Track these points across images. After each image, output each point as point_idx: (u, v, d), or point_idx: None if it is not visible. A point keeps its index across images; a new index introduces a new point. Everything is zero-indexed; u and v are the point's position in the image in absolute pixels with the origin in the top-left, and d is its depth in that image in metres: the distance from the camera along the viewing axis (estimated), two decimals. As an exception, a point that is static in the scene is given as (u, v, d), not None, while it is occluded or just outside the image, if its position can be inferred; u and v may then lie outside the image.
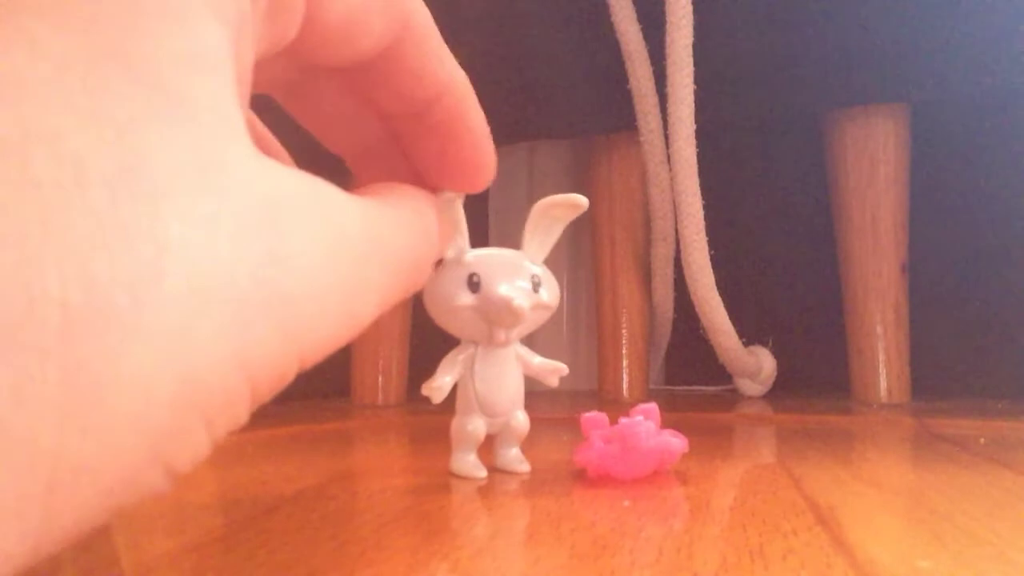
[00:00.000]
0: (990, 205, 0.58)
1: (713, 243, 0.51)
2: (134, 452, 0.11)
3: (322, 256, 0.14)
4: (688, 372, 0.64)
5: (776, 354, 0.59)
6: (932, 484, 0.26)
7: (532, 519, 0.22)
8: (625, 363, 0.57)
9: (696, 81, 0.49)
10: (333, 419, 0.47)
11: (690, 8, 0.49)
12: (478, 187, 0.21)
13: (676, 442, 0.28)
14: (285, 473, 0.30)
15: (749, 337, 0.57)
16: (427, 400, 0.26)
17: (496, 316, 0.26)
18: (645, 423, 0.27)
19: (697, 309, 0.53)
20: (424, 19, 0.18)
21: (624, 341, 0.57)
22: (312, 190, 0.15)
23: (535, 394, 0.63)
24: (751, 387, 0.59)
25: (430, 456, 0.33)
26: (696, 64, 0.49)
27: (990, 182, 0.58)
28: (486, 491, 0.26)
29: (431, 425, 0.45)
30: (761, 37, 0.53)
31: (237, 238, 0.12)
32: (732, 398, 0.58)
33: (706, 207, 0.51)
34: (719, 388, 0.62)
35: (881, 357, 0.53)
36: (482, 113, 0.21)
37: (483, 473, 0.28)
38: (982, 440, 0.36)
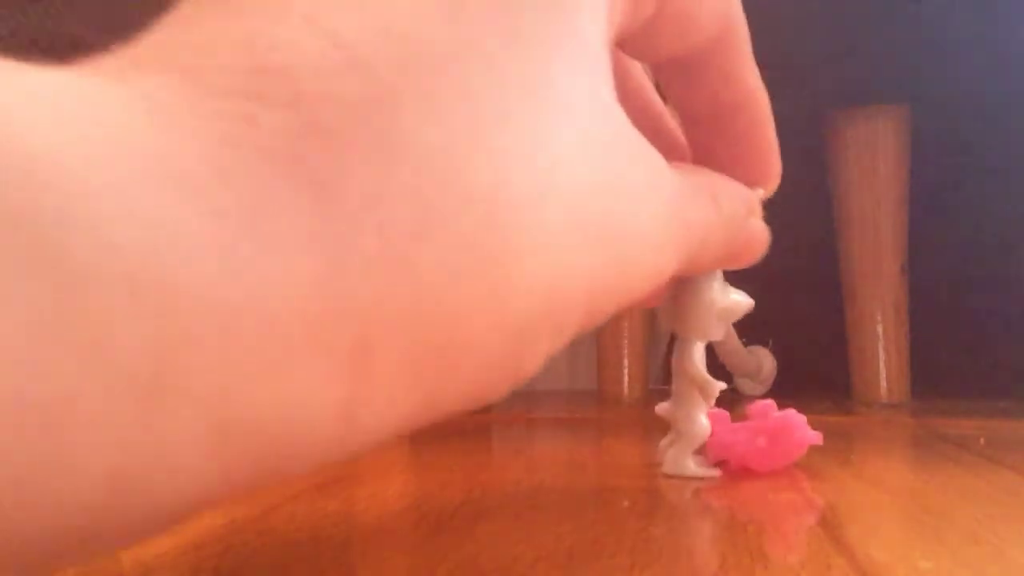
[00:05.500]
0: (990, 205, 0.58)
1: (713, 243, 0.51)
2: (505, 345, 0.12)
3: (647, 202, 0.15)
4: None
5: (776, 354, 0.58)
6: (932, 484, 0.26)
7: (532, 519, 0.22)
8: (625, 363, 0.57)
9: (696, 81, 0.49)
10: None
11: (690, 8, 0.49)
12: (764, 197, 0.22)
13: (815, 435, 0.28)
14: (285, 473, 0.30)
15: (749, 337, 0.57)
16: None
17: None
18: (798, 416, 0.27)
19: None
20: (741, 24, 0.19)
21: (624, 341, 0.57)
22: (645, 142, 0.16)
23: (535, 394, 0.63)
24: (751, 387, 0.59)
25: (431, 455, 0.33)
26: (696, 64, 0.49)
27: (990, 182, 0.58)
28: (486, 491, 0.26)
29: (431, 425, 0.45)
30: (761, 37, 0.52)
31: (599, 164, 0.14)
32: (732, 398, 0.58)
33: (706, 207, 0.51)
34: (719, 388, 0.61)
35: (881, 357, 0.53)
36: (774, 127, 0.21)
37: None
38: (982, 440, 0.36)
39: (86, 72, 0.10)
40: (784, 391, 0.59)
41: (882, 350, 0.53)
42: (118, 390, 0.08)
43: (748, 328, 0.58)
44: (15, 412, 0.08)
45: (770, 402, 0.29)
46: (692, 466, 0.26)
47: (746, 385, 0.59)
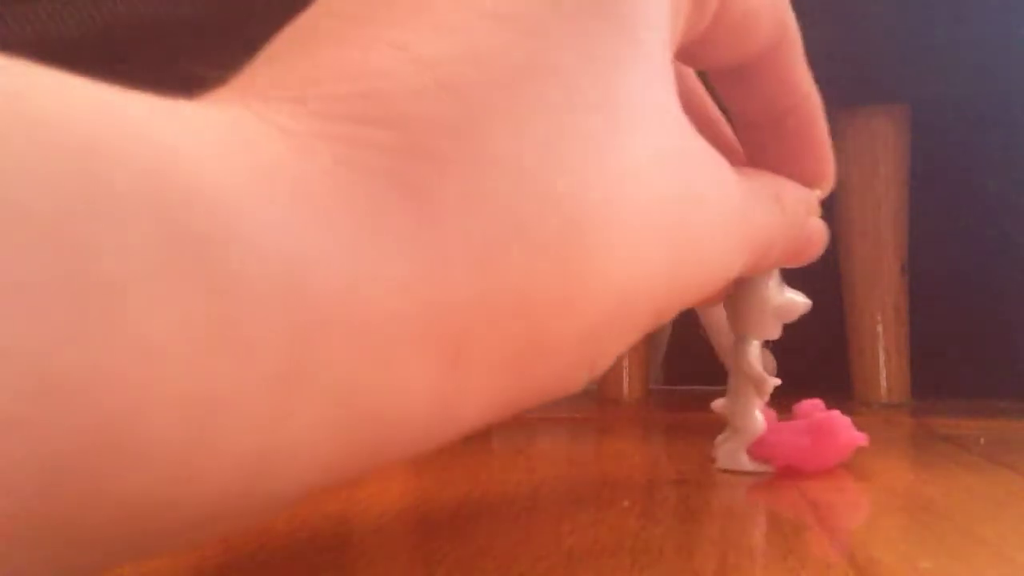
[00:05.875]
0: (990, 205, 0.58)
1: (713, 243, 0.51)
2: (582, 343, 0.13)
3: (715, 207, 0.16)
4: (688, 372, 0.64)
5: (776, 354, 0.58)
6: (932, 484, 0.26)
7: (532, 519, 0.22)
8: (625, 363, 0.57)
9: (696, 81, 0.49)
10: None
11: (690, 8, 0.49)
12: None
13: (860, 435, 0.28)
14: (285, 473, 0.29)
15: (749, 337, 0.56)
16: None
17: None
18: (842, 417, 0.27)
19: (697, 308, 0.53)
20: (795, 29, 0.20)
21: (624, 341, 0.57)
22: (711, 150, 0.16)
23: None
24: (751, 387, 0.59)
25: (431, 455, 0.33)
26: (696, 64, 0.49)
27: (990, 182, 0.58)
28: (485, 491, 0.26)
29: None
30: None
31: (669, 173, 0.14)
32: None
33: (706, 207, 0.51)
34: (719, 388, 0.61)
35: (881, 357, 0.53)
36: (827, 126, 0.22)
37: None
38: (982, 440, 0.36)
39: (216, 102, 0.11)
40: (784, 391, 0.59)
41: (882, 350, 0.53)
42: (261, 384, 0.09)
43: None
44: (178, 409, 0.09)
45: (816, 401, 0.29)
46: (746, 461, 0.27)
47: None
